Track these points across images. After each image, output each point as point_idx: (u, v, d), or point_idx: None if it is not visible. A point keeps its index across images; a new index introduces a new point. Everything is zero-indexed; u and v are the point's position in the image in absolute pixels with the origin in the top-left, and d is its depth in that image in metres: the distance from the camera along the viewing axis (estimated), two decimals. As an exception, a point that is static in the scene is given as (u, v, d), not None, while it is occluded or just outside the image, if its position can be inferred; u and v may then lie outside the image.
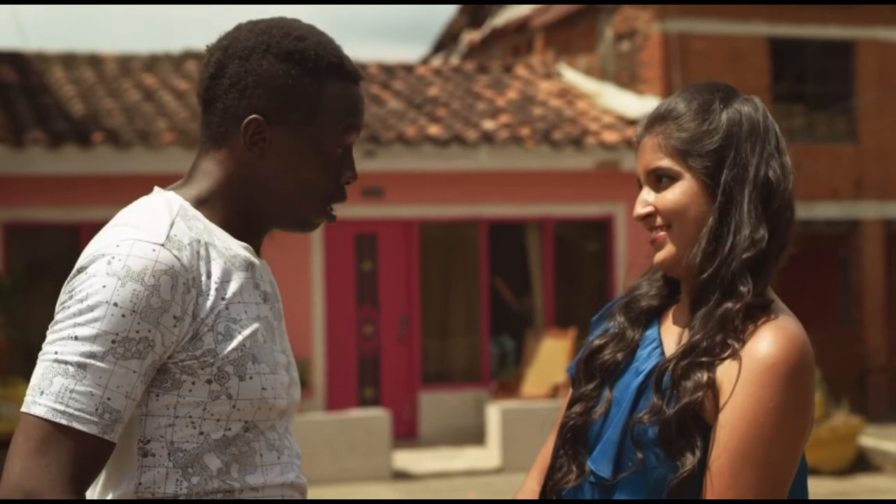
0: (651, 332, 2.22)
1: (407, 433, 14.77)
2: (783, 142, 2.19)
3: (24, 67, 16.06)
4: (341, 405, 14.45)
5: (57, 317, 1.93)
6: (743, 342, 2.06)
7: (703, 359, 2.06)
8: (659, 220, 2.17)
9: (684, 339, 2.11)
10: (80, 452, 1.86)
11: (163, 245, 1.93)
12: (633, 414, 2.10)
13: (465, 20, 24.00)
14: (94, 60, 16.77)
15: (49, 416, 1.85)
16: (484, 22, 22.88)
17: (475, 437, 14.51)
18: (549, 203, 15.45)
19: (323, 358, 14.72)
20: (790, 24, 17.66)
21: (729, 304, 2.08)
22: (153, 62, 16.81)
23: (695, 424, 2.04)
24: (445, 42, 25.04)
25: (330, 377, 14.80)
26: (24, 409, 1.88)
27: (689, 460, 2.03)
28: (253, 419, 1.98)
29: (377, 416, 13.08)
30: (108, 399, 1.87)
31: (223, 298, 1.97)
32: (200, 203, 2.05)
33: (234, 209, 2.06)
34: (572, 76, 17.89)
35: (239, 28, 2.10)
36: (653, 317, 2.25)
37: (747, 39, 17.40)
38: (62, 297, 1.94)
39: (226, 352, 1.95)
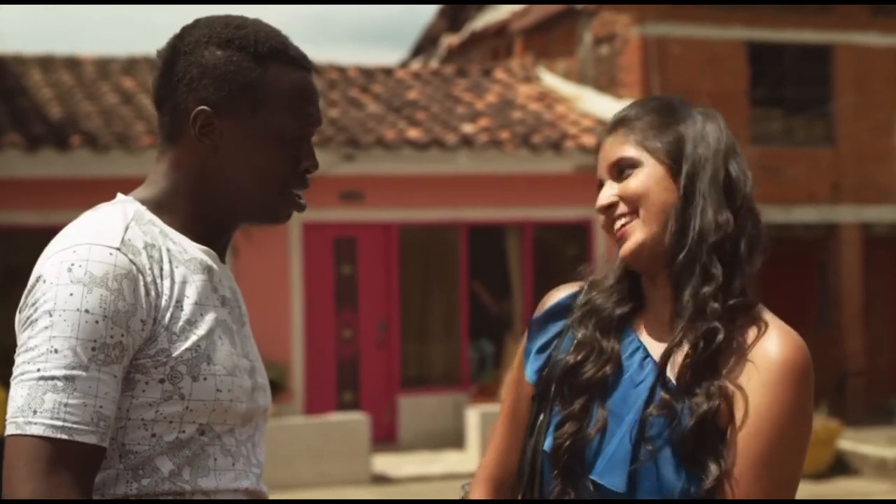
0: (630, 341, 2.15)
1: (386, 437, 14.75)
2: (740, 151, 2.23)
3: (0, 70, 15.99)
4: (320, 409, 14.42)
5: (26, 332, 1.89)
6: (741, 336, 2.05)
7: (708, 362, 2.04)
8: (623, 208, 2.13)
9: (676, 339, 2.07)
10: (86, 464, 1.84)
11: (118, 249, 1.91)
12: (644, 427, 2.03)
13: (444, 24, 24.00)
14: (72, 63, 16.71)
15: (49, 434, 1.82)
16: (463, 26, 22.89)
17: (454, 440, 14.50)
18: (529, 207, 15.46)
19: (302, 362, 14.69)
20: (768, 29, 17.72)
21: (705, 290, 2.05)
22: (131, 65, 16.75)
23: (712, 432, 2.01)
24: (424, 46, 25.04)
25: (309, 381, 14.77)
26: (15, 431, 1.83)
27: (713, 471, 1.99)
28: (208, 421, 1.95)
29: (356, 420, 13.06)
30: (101, 407, 1.86)
31: (179, 300, 1.95)
32: (159, 207, 2.03)
33: (194, 210, 2.04)
34: (551, 80, 17.91)
35: (184, 27, 2.11)
36: (623, 325, 2.16)
37: (726, 44, 17.45)
38: (26, 311, 1.91)
39: (179, 351, 1.93)
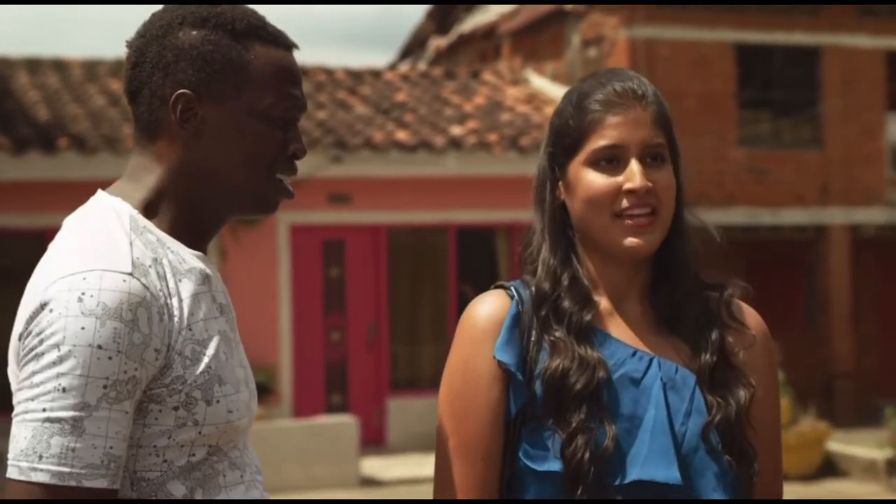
0: (606, 340, 2.05)
1: (375, 440, 14.72)
2: None
3: (-12, 72, 15.94)
4: (309, 412, 14.39)
5: (30, 366, 1.76)
6: (739, 321, 2.11)
7: (732, 351, 2.07)
8: (653, 200, 2.03)
9: (681, 328, 2.08)
10: None
11: (131, 274, 1.79)
12: (674, 418, 2.01)
13: (432, 26, 23.99)
14: (59, 65, 16.66)
15: (56, 482, 1.71)
16: (451, 28, 22.89)
17: (443, 443, 14.47)
18: (517, 209, 15.42)
19: (290, 365, 14.66)
20: (756, 31, 17.73)
21: (714, 294, 2.12)
22: (119, 67, 16.69)
23: (747, 414, 2.05)
24: (413, 48, 25.03)
25: (297, 384, 14.74)
26: (19, 476, 1.73)
27: (752, 452, 2.04)
28: (218, 443, 1.87)
29: (345, 423, 13.03)
30: (111, 448, 1.75)
31: (187, 319, 1.84)
32: (148, 207, 1.92)
33: (182, 207, 1.93)
34: (539, 82, 17.90)
35: (153, 14, 1.99)
36: (591, 326, 2.06)
37: (714, 46, 17.46)
38: (29, 340, 1.77)
39: (194, 376, 1.83)
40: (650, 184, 2.02)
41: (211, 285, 1.93)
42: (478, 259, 15.66)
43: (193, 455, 1.85)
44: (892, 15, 18.34)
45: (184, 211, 1.94)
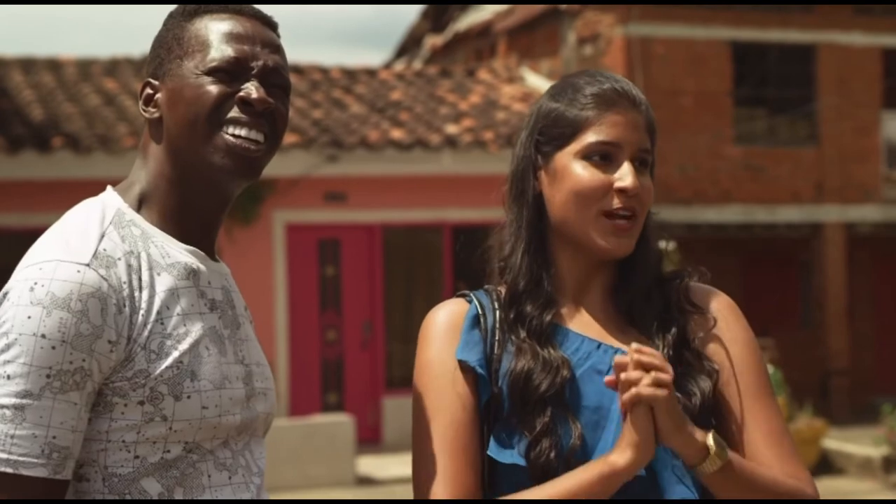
0: (568, 337, 2.06)
1: (371, 438, 14.71)
2: None
3: (-18, 72, 15.92)
4: (304, 411, 14.38)
5: None
6: (696, 306, 2.11)
7: (693, 339, 2.07)
8: (636, 204, 2.05)
9: (646, 319, 2.08)
10: (33, 497, 1.75)
11: (88, 265, 1.79)
12: None
13: (427, 25, 23.98)
14: (54, 65, 16.63)
15: None
16: (446, 26, 22.87)
17: (439, 442, 14.46)
18: (513, 207, 15.43)
19: (286, 364, 14.64)
20: (752, 29, 17.74)
21: (674, 283, 2.12)
22: (113, 67, 16.68)
23: (713, 400, 2.05)
24: (408, 46, 25.01)
25: (293, 383, 14.73)
26: None
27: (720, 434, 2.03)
28: (195, 439, 1.84)
29: (341, 422, 13.02)
30: (54, 438, 1.75)
31: (158, 313, 1.82)
32: (141, 201, 1.92)
33: (171, 195, 1.91)
34: (535, 80, 17.89)
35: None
36: (552, 324, 2.07)
37: (709, 43, 17.46)
38: None
39: (158, 371, 1.80)
40: (639, 189, 2.04)
41: (198, 280, 1.90)
42: (473, 257, 15.66)
43: (168, 451, 1.82)
44: (886, 12, 18.35)
45: (171, 199, 1.93)
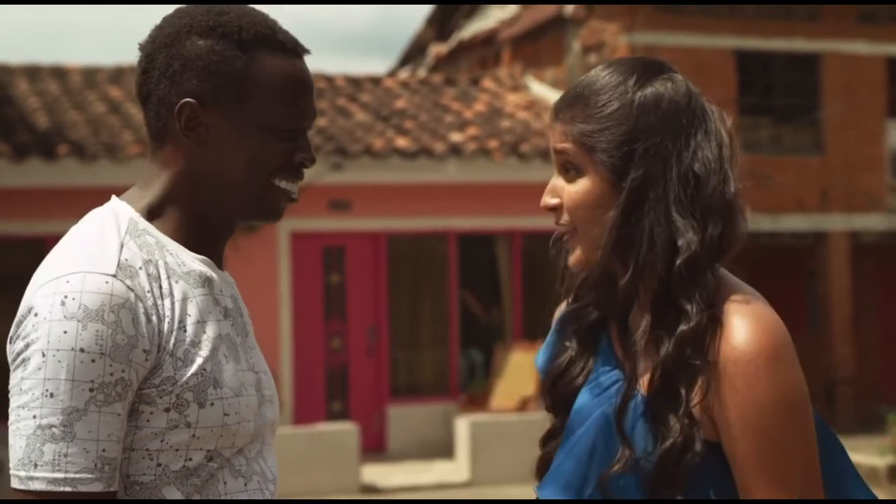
0: (604, 347, 1.98)
1: (375, 447, 14.70)
2: (715, 123, 1.94)
3: (-13, 80, 15.94)
4: (309, 419, 14.37)
5: (19, 371, 1.77)
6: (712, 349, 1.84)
7: (678, 386, 1.84)
8: (565, 218, 1.94)
9: (641, 362, 1.89)
10: None
11: (114, 276, 1.79)
12: (600, 448, 1.88)
13: (432, 33, 24.00)
14: (59, 72, 16.65)
15: (52, 488, 1.73)
16: (451, 35, 22.89)
17: (444, 450, 14.45)
18: (518, 215, 15.43)
19: (290, 372, 14.64)
20: (757, 37, 17.74)
21: (683, 327, 1.83)
22: (118, 74, 16.69)
23: (706, 451, 1.83)
24: (413, 55, 25.03)
25: (297, 391, 14.72)
26: (19, 486, 1.75)
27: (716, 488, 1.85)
28: (216, 447, 1.85)
29: (345, 430, 13.01)
30: (104, 451, 1.76)
31: (181, 321, 1.84)
32: (152, 212, 1.92)
33: (187, 212, 1.93)
34: (539, 89, 17.89)
35: (164, 17, 1.99)
36: (600, 329, 1.99)
37: (714, 52, 17.47)
38: (17, 343, 1.79)
39: (185, 378, 1.81)
40: (556, 200, 1.99)
41: (213, 288, 1.92)
42: (478, 265, 15.65)
43: (190, 459, 1.83)
44: (891, 21, 18.35)
45: (187, 214, 1.93)
